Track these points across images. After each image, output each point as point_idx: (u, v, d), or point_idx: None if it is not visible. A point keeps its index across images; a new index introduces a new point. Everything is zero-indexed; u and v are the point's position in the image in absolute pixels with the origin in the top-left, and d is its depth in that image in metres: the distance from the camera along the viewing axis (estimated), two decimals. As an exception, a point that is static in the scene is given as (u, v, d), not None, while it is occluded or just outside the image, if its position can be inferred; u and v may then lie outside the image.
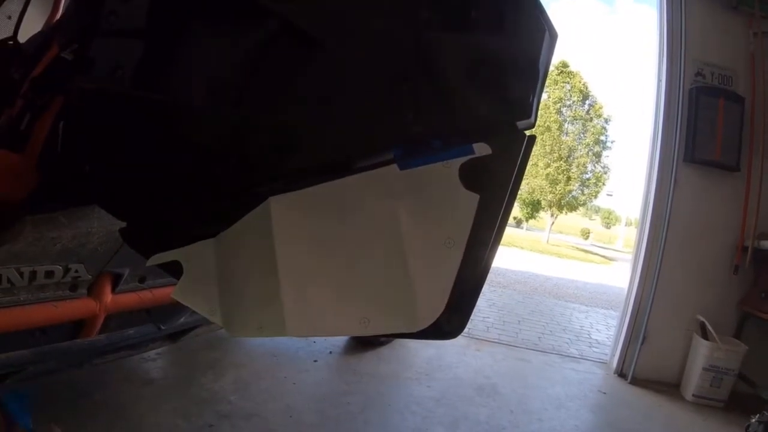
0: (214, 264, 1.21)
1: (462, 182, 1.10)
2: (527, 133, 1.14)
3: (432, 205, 1.13)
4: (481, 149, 1.10)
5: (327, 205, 1.15)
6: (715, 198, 4.91)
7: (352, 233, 1.15)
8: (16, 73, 2.06)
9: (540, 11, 1.12)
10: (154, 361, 3.74)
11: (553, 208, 33.41)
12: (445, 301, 1.15)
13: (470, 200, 1.11)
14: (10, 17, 3.29)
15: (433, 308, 1.15)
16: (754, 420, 3.85)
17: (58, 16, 3.44)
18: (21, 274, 1.72)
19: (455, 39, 1.10)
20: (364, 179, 1.13)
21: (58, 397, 2.76)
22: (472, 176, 1.10)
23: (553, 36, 1.15)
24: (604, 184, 33.59)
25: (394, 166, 1.12)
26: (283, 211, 1.14)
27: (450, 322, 1.16)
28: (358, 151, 1.14)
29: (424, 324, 1.15)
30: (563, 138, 32.28)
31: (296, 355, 4.34)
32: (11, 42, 2.29)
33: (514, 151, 1.12)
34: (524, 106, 1.12)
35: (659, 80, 5.07)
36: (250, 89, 1.14)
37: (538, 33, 1.13)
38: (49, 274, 1.79)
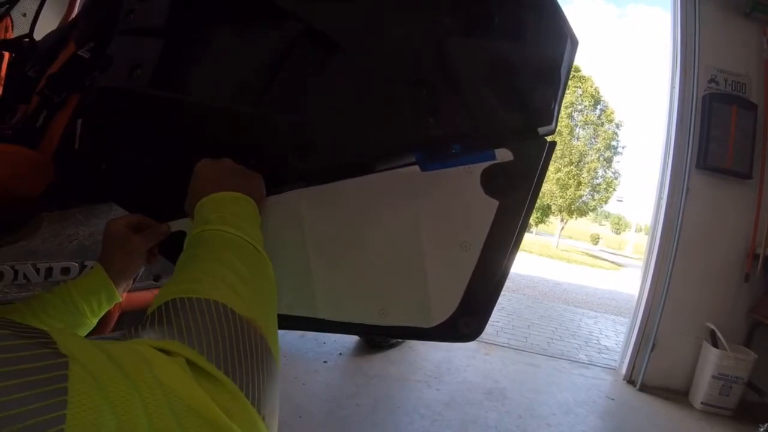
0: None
1: (482, 187, 1.11)
2: (548, 139, 1.14)
3: (451, 207, 1.14)
4: (503, 155, 1.11)
5: (351, 200, 1.17)
6: (726, 205, 4.89)
7: (374, 228, 1.17)
8: (32, 71, 2.07)
9: (562, 18, 1.12)
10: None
11: (563, 213, 33.26)
12: (458, 302, 1.16)
13: (489, 205, 1.12)
14: (25, 14, 3.32)
15: (445, 307, 1.16)
16: (762, 429, 3.85)
17: (74, 14, 3.46)
18: (37, 270, 1.74)
19: (477, 45, 1.11)
20: (387, 178, 1.14)
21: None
22: (493, 181, 1.11)
23: (574, 43, 1.15)
24: (614, 189, 33.40)
25: (416, 167, 1.13)
26: (312, 201, 1.16)
27: (468, 325, 1.16)
28: (377, 154, 1.15)
29: (437, 321, 1.17)
30: (574, 143, 32.17)
31: (306, 356, 4.35)
32: (27, 39, 2.31)
33: (534, 158, 1.12)
34: (546, 112, 1.12)
35: (672, 86, 5.06)
36: (270, 90, 1.15)
37: (561, 39, 1.14)
38: (65, 270, 1.80)
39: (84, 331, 1.05)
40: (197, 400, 0.50)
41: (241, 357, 0.58)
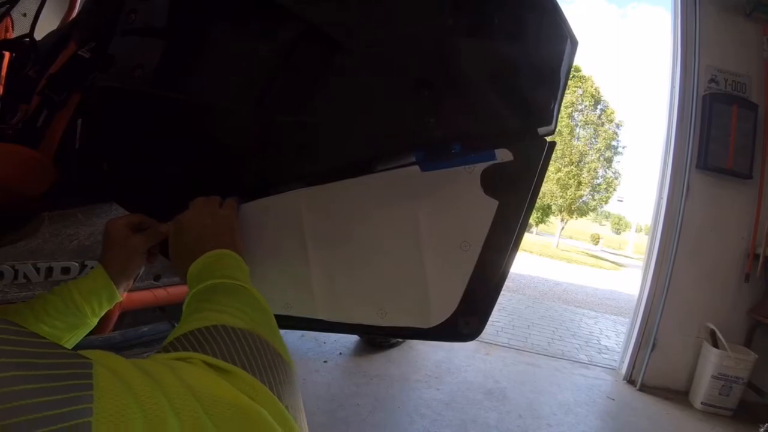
0: None
1: (482, 187, 1.11)
2: (547, 139, 1.14)
3: (451, 207, 1.14)
4: (503, 155, 1.11)
5: (351, 200, 1.17)
6: (727, 205, 4.89)
7: (374, 228, 1.17)
8: (32, 71, 2.08)
9: (562, 18, 1.12)
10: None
11: (564, 213, 33.24)
12: (457, 302, 1.16)
13: (489, 205, 1.12)
14: (25, 14, 3.31)
15: (445, 307, 1.16)
16: (762, 429, 3.86)
17: (74, 14, 3.46)
18: (37, 270, 1.74)
19: (478, 45, 1.11)
20: (388, 178, 1.14)
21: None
22: (493, 182, 1.11)
23: (574, 43, 1.15)
24: (614, 189, 33.37)
25: (416, 168, 1.13)
26: (312, 202, 1.17)
27: (468, 324, 1.17)
28: (377, 154, 1.15)
29: (436, 321, 1.17)
30: (574, 143, 32.13)
31: (306, 356, 4.36)
32: (27, 39, 2.31)
33: (534, 158, 1.12)
34: (546, 112, 1.12)
35: (672, 86, 5.06)
36: (272, 91, 1.15)
37: (561, 40, 1.14)
38: (66, 270, 1.80)
39: (85, 331, 1.06)
40: (221, 389, 0.53)
41: (253, 356, 0.63)
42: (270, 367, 0.63)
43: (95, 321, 1.08)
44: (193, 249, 0.99)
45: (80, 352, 0.47)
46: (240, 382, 0.56)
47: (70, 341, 1.03)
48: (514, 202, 1.13)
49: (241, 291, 0.86)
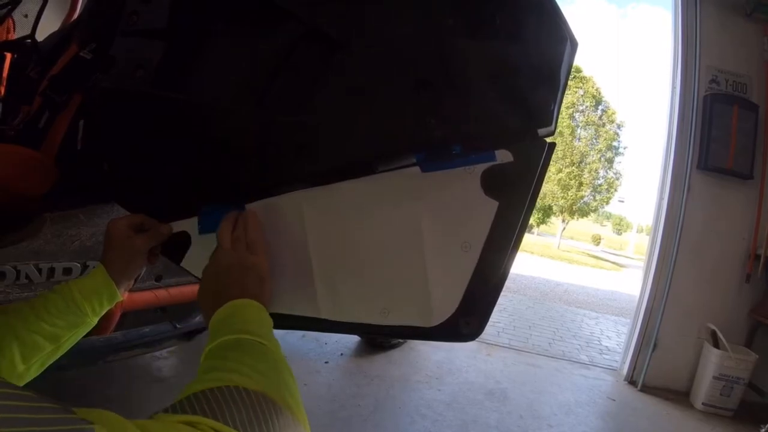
0: None
1: (482, 188, 1.12)
2: (547, 140, 1.15)
3: (451, 208, 1.14)
4: (503, 156, 1.11)
5: (353, 201, 1.17)
6: (728, 206, 4.89)
7: (375, 228, 1.17)
8: (34, 72, 2.08)
9: (561, 20, 1.13)
10: (166, 359, 3.77)
11: (565, 214, 33.25)
12: (458, 302, 1.16)
13: (489, 206, 1.12)
14: (26, 16, 3.32)
15: (445, 307, 1.16)
16: (763, 430, 3.86)
17: (76, 15, 3.46)
18: (39, 271, 1.75)
19: (478, 46, 1.11)
20: (388, 179, 1.15)
21: (67, 393, 2.78)
22: (493, 182, 1.11)
23: (574, 44, 1.16)
24: (615, 190, 33.37)
25: (417, 168, 1.13)
26: (313, 202, 1.17)
27: (468, 324, 1.17)
28: (378, 155, 1.15)
29: (437, 321, 1.17)
30: (575, 143, 32.13)
31: (307, 357, 4.36)
32: (29, 40, 2.32)
33: (534, 159, 1.12)
34: (546, 113, 1.13)
35: (673, 87, 5.06)
36: (272, 91, 1.15)
37: (560, 41, 1.14)
38: (67, 270, 1.81)
39: (85, 330, 1.07)
40: None
41: (262, 422, 0.64)
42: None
43: (95, 320, 1.08)
44: (219, 296, 0.99)
45: (81, 411, 0.48)
46: None
47: (70, 340, 1.03)
48: (514, 202, 1.13)
49: (258, 348, 0.86)
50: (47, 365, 0.99)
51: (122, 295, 1.13)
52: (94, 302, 1.06)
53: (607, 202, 34.29)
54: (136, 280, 1.20)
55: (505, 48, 1.12)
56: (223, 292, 1.00)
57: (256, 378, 0.73)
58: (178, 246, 1.23)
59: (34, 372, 0.96)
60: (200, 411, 0.61)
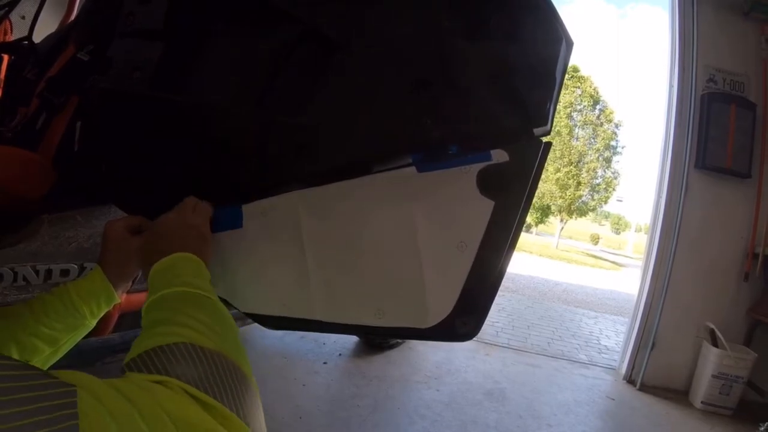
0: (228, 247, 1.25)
1: (478, 187, 1.12)
2: (543, 139, 1.15)
3: (447, 208, 1.15)
4: (499, 156, 1.12)
5: (348, 201, 1.17)
6: (726, 205, 4.90)
7: (371, 229, 1.18)
8: (31, 73, 2.08)
9: (557, 20, 1.13)
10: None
11: (563, 214, 33.22)
12: (454, 302, 1.16)
13: (485, 206, 1.12)
14: (23, 17, 3.31)
15: (442, 308, 1.16)
16: (762, 428, 3.85)
17: (73, 16, 3.46)
18: (37, 272, 1.74)
19: (475, 47, 1.11)
20: (384, 179, 1.15)
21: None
22: (489, 182, 1.11)
23: (569, 44, 1.16)
24: (614, 189, 33.36)
25: (413, 168, 1.14)
26: (310, 203, 1.17)
27: (465, 324, 1.17)
28: (377, 155, 1.16)
29: (433, 322, 1.17)
30: (573, 143, 32.11)
31: (306, 357, 4.36)
32: (26, 42, 2.31)
33: (530, 158, 1.12)
34: (541, 113, 1.13)
35: (671, 86, 5.06)
36: (271, 92, 1.16)
37: (556, 41, 1.14)
38: (65, 272, 1.80)
39: (83, 332, 1.07)
40: (197, 417, 0.56)
41: (224, 383, 0.65)
42: (239, 394, 0.66)
43: (94, 322, 1.09)
44: (161, 250, 1.01)
45: (62, 373, 0.50)
46: (215, 413, 0.59)
47: (68, 342, 1.03)
48: (510, 202, 1.13)
49: (206, 302, 0.88)
50: (46, 368, 0.99)
51: (119, 297, 1.13)
52: (92, 304, 1.06)
53: (606, 202, 34.27)
54: (133, 282, 1.20)
55: (501, 48, 1.13)
56: (165, 247, 1.02)
57: (210, 336, 0.75)
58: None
59: None
60: (162, 368, 0.63)
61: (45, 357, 0.98)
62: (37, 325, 0.97)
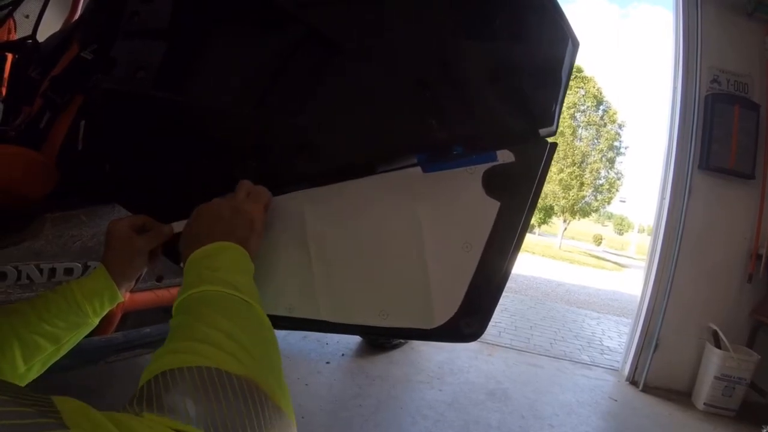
0: None
1: (484, 188, 1.12)
2: (549, 140, 1.15)
3: (453, 208, 1.15)
4: (504, 156, 1.11)
5: (353, 201, 1.17)
6: (729, 206, 4.89)
7: (375, 229, 1.17)
8: (35, 72, 2.08)
9: (563, 19, 1.13)
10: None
11: (566, 214, 33.20)
12: (459, 303, 1.16)
13: (491, 206, 1.12)
14: (27, 16, 3.32)
15: (446, 308, 1.16)
16: (765, 430, 3.84)
17: (77, 16, 3.46)
18: (40, 271, 1.74)
19: (480, 47, 1.11)
20: (389, 179, 1.15)
21: (68, 394, 2.77)
22: (494, 183, 1.11)
23: (575, 44, 1.16)
24: (617, 190, 33.33)
25: (418, 169, 1.13)
26: (314, 203, 1.17)
27: (469, 325, 1.16)
28: (379, 155, 1.16)
29: (438, 323, 1.17)
30: (577, 143, 32.08)
31: (308, 357, 4.36)
32: (30, 41, 2.32)
33: (536, 159, 1.12)
34: (547, 114, 1.13)
35: (674, 87, 5.05)
36: (273, 92, 1.16)
37: (562, 41, 1.14)
38: (69, 271, 1.80)
39: (86, 330, 1.06)
40: None
41: (250, 423, 0.56)
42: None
43: (96, 321, 1.08)
44: (200, 237, 0.95)
45: (63, 411, 0.44)
46: None
47: (71, 340, 1.03)
48: (515, 202, 1.13)
49: (241, 308, 0.80)
50: (48, 365, 0.99)
51: (123, 296, 1.13)
52: (95, 303, 1.05)
53: (609, 202, 34.27)
54: (137, 281, 1.20)
55: (506, 48, 1.13)
56: (206, 233, 0.96)
57: (240, 356, 0.66)
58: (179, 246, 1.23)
59: (35, 373, 0.96)
60: (180, 400, 0.54)
61: (47, 355, 0.97)
62: (40, 322, 0.96)
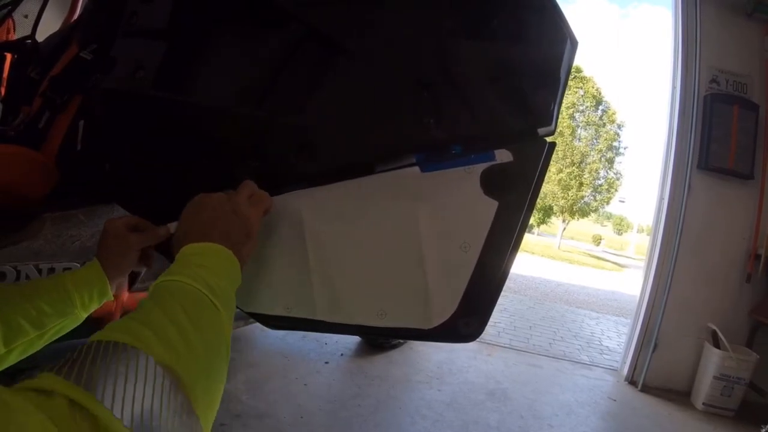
0: None
1: (482, 188, 1.12)
2: (547, 140, 1.15)
3: (451, 208, 1.15)
4: (503, 156, 1.11)
5: (351, 201, 1.17)
6: (728, 206, 4.89)
7: (374, 229, 1.17)
8: (34, 72, 2.08)
9: (561, 19, 1.13)
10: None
11: (565, 214, 33.20)
12: (457, 303, 1.16)
13: (489, 206, 1.12)
14: (27, 16, 3.32)
15: (445, 308, 1.16)
16: (764, 430, 3.84)
17: (76, 15, 3.46)
18: (39, 271, 1.75)
19: (478, 46, 1.11)
20: (388, 179, 1.15)
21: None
22: (492, 182, 1.11)
23: (574, 44, 1.16)
24: (616, 190, 33.31)
25: (416, 168, 1.13)
26: (312, 203, 1.17)
27: (468, 325, 1.17)
28: (378, 155, 1.16)
29: (436, 323, 1.17)
30: (576, 143, 32.08)
31: (307, 357, 4.36)
32: (29, 41, 2.32)
33: (534, 159, 1.12)
34: (546, 113, 1.13)
35: (674, 87, 5.05)
36: (273, 92, 1.15)
37: (560, 41, 1.14)
38: (67, 270, 1.81)
39: (72, 324, 1.05)
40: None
41: (152, 406, 0.54)
42: (167, 426, 0.55)
43: (83, 315, 1.07)
44: (196, 234, 0.93)
45: None
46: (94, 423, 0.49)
47: (54, 329, 1.01)
48: (514, 202, 1.13)
49: (207, 313, 0.78)
50: (29, 353, 0.97)
51: (112, 293, 1.13)
52: (84, 294, 1.05)
53: (608, 203, 34.25)
54: (135, 281, 1.20)
55: (505, 48, 1.13)
56: (205, 229, 0.94)
57: (180, 353, 0.64)
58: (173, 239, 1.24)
59: (14, 358, 0.94)
60: (75, 375, 0.51)
61: (29, 340, 0.95)
62: (23, 302, 0.95)
